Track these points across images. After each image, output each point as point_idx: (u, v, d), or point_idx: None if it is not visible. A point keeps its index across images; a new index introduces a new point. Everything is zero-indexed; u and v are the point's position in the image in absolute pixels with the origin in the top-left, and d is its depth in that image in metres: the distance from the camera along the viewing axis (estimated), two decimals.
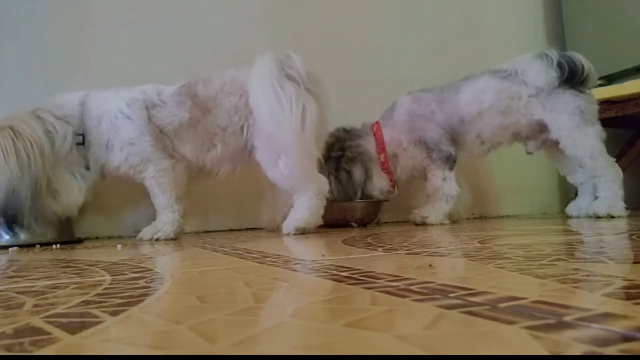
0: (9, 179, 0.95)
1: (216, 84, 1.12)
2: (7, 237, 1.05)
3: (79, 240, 1.13)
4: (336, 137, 1.32)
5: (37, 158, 0.98)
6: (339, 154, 1.29)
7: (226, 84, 1.12)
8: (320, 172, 1.16)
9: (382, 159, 1.32)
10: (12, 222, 0.97)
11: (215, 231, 1.42)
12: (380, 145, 1.32)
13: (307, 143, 1.01)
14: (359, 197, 1.32)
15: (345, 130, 1.35)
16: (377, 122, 1.35)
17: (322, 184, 1.09)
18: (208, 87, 1.12)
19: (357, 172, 1.29)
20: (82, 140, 1.08)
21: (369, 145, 1.32)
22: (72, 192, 1.07)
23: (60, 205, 1.04)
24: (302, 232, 1.05)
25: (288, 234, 1.05)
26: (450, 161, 1.28)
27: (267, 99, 1.01)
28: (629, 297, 0.29)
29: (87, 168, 1.10)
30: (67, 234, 1.14)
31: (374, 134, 1.33)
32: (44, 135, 1.01)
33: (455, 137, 1.31)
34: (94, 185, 1.11)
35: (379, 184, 1.32)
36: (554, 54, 1.24)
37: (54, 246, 1.00)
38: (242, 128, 1.11)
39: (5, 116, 1.01)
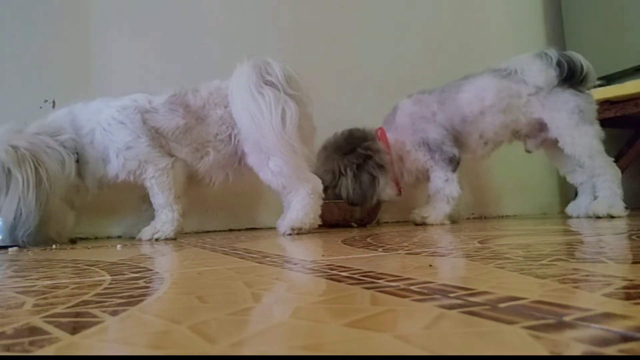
0: (22, 208, 0.98)
1: (203, 94, 1.14)
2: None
3: (73, 241, 1.13)
4: (365, 135, 1.29)
5: (54, 192, 1.01)
6: (368, 153, 1.25)
7: (212, 95, 1.14)
8: (334, 159, 1.19)
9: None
10: (12, 236, 1.01)
11: (215, 231, 1.42)
12: (387, 152, 1.31)
13: (291, 141, 1.03)
14: (373, 203, 1.29)
15: (371, 133, 1.31)
16: (381, 128, 1.35)
17: (315, 184, 1.10)
18: (196, 97, 1.14)
19: (383, 181, 1.27)
20: (77, 159, 1.09)
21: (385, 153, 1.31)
22: (67, 223, 1.09)
23: (55, 233, 1.06)
24: (298, 232, 1.06)
25: (284, 234, 1.05)
26: (453, 162, 1.28)
27: (247, 106, 1.03)
28: (628, 297, 0.29)
29: (77, 190, 1.11)
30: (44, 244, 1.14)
31: (380, 139, 1.32)
32: (59, 168, 1.03)
33: (458, 138, 1.31)
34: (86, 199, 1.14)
35: (389, 191, 1.32)
36: (554, 53, 1.25)
37: (53, 246, 1.00)
38: (230, 136, 1.14)
39: (15, 132, 1.02)
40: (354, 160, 1.25)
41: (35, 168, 0.98)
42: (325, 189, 1.21)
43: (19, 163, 0.97)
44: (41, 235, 1.02)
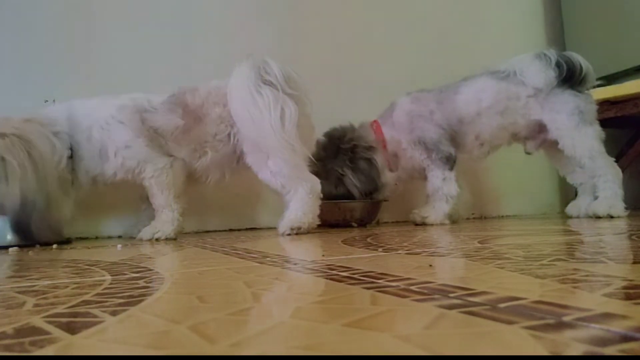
0: (26, 192, 0.97)
1: (202, 94, 1.14)
2: (8, 237, 1.05)
3: (68, 241, 1.13)
4: (343, 130, 1.30)
5: (51, 172, 1.00)
6: (352, 144, 1.26)
7: (211, 94, 1.13)
8: (328, 169, 1.20)
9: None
10: (22, 230, 0.99)
11: (215, 231, 1.42)
12: (382, 144, 1.31)
13: (290, 140, 1.03)
14: (380, 185, 1.29)
15: (348, 126, 1.32)
16: (375, 121, 1.35)
17: (314, 184, 1.10)
18: (195, 97, 1.13)
19: (380, 158, 1.27)
20: (70, 154, 1.08)
21: (370, 135, 1.31)
22: (64, 210, 1.08)
23: (57, 219, 1.06)
24: (297, 231, 1.06)
25: (283, 234, 1.05)
26: (450, 161, 1.28)
27: (245, 106, 1.03)
28: (628, 297, 0.29)
29: (72, 184, 1.10)
30: (56, 234, 1.13)
31: (374, 132, 1.33)
32: (49, 150, 1.02)
33: (454, 138, 1.31)
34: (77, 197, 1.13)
35: (388, 175, 1.32)
36: (553, 54, 1.24)
37: (54, 246, 1.00)
38: (229, 135, 1.13)
39: (3, 119, 1.02)
40: (344, 157, 1.26)
41: (27, 151, 0.98)
42: (342, 197, 1.26)
43: (10, 149, 0.97)
44: (46, 221, 1.02)
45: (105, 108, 1.10)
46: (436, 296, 0.31)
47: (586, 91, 1.27)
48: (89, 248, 0.94)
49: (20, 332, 0.26)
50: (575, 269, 0.39)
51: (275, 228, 1.13)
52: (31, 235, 0.99)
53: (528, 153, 1.40)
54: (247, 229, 1.45)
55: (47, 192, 1.00)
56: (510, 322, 0.24)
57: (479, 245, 0.63)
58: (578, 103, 1.23)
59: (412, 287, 0.34)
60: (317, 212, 1.10)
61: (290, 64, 1.10)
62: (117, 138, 1.08)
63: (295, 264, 0.53)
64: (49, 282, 0.46)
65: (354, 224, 1.34)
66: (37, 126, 1.04)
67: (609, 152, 1.25)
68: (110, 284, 0.43)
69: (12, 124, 1.01)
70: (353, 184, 1.25)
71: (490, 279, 0.36)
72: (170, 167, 1.11)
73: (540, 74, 1.23)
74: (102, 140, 1.09)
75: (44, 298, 0.37)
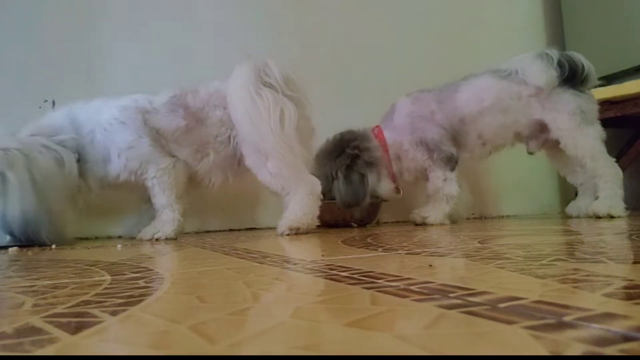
0: (25, 208, 0.98)
1: (203, 96, 1.14)
2: (8, 237, 1.05)
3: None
4: (354, 135, 1.29)
5: (55, 189, 1.01)
6: (355, 152, 1.25)
7: (212, 96, 1.14)
8: (326, 165, 1.20)
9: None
10: (31, 239, 1.01)
11: (215, 231, 1.42)
12: (384, 149, 1.31)
13: (289, 142, 1.03)
14: (367, 201, 1.28)
15: (361, 133, 1.31)
16: (378, 126, 1.35)
17: (313, 185, 1.10)
18: (196, 99, 1.13)
19: (373, 178, 1.26)
20: (77, 158, 1.09)
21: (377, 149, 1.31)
22: (69, 219, 1.09)
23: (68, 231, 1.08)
24: (296, 232, 1.06)
25: (282, 234, 1.05)
26: (451, 162, 1.27)
27: (245, 108, 1.03)
28: (629, 297, 0.29)
29: (79, 189, 1.11)
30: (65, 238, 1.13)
31: (377, 137, 1.32)
32: (55, 166, 1.03)
33: (456, 138, 1.30)
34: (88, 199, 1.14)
35: (386, 188, 1.32)
36: (555, 54, 1.24)
37: (53, 246, 1.00)
38: (229, 137, 1.14)
39: (7, 136, 1.03)
40: (343, 162, 1.25)
41: (28, 168, 0.99)
42: (324, 196, 1.22)
43: (11, 165, 0.98)
44: (60, 233, 1.03)
45: (107, 110, 1.10)
46: (436, 296, 0.31)
47: (587, 91, 1.27)
48: (88, 248, 0.93)
49: (20, 332, 0.26)
50: (575, 269, 0.39)
51: (275, 228, 1.13)
52: (43, 242, 1.01)
53: (530, 153, 1.39)
54: (247, 229, 1.45)
55: (49, 208, 1.01)
56: (510, 322, 0.24)
57: (479, 245, 0.63)
58: (580, 103, 1.23)
59: (412, 287, 0.34)
60: (317, 213, 1.10)
61: (290, 66, 1.10)
62: (119, 139, 1.08)
63: (295, 264, 0.53)
64: (49, 282, 0.46)
65: (354, 224, 1.34)
66: (42, 140, 1.04)
67: (609, 151, 1.25)
68: (110, 284, 0.43)
69: (17, 138, 1.02)
70: (339, 190, 1.25)
71: (490, 279, 0.36)
72: (172, 167, 1.12)
73: (542, 74, 1.23)
74: (105, 143, 1.09)
75: (44, 298, 0.37)
